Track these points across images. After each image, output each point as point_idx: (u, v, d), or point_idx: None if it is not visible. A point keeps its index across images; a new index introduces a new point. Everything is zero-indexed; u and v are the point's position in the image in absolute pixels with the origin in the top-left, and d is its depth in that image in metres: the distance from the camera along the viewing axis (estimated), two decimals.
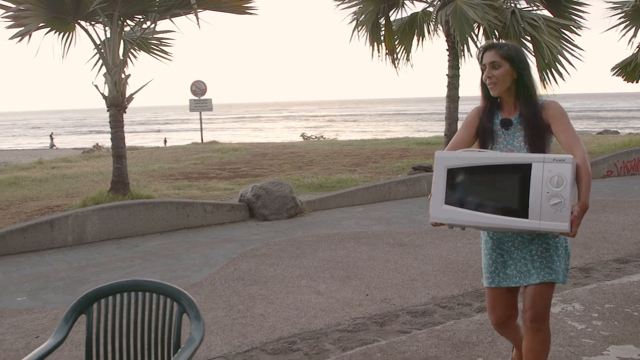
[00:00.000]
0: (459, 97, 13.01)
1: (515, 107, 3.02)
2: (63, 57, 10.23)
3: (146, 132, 71.74)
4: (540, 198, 2.61)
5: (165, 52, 10.91)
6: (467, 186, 2.79)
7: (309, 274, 6.21)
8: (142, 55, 10.96)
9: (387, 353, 4.15)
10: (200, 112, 22.46)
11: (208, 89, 22.44)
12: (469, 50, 11.89)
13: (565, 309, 4.85)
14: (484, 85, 3.06)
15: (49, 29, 9.87)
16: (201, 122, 23.03)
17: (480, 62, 3.04)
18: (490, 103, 3.10)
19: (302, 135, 28.34)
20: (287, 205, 9.15)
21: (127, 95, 9.72)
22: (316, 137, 26.61)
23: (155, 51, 10.87)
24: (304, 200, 9.76)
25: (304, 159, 16.12)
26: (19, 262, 7.29)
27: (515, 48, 3.01)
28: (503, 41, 3.11)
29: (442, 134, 14.56)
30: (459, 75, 12.91)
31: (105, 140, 40.72)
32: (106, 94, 9.61)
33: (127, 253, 7.50)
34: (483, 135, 3.07)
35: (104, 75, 9.67)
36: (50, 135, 47.66)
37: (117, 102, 9.58)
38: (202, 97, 22.41)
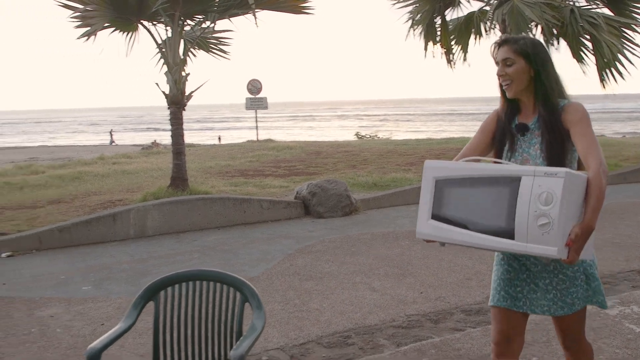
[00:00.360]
0: None
1: (534, 110, 2.69)
2: (126, 55, 10.58)
3: (202, 130, 72.91)
4: (527, 217, 2.29)
5: (223, 51, 11.13)
6: (453, 200, 2.51)
7: (364, 270, 6.28)
8: (200, 54, 11.20)
9: (441, 350, 4.18)
10: (255, 110, 22.75)
11: (263, 87, 22.71)
12: None
13: (623, 311, 4.78)
14: (502, 86, 2.73)
15: (113, 28, 10.21)
16: (257, 120, 23.31)
17: (495, 60, 2.72)
18: (510, 105, 2.76)
19: (357, 134, 28.41)
20: (342, 203, 9.23)
21: (186, 94, 9.97)
22: (370, 136, 26.63)
23: (213, 50, 11.11)
24: (358, 198, 9.82)
25: (358, 157, 16.16)
26: (84, 253, 7.58)
27: (532, 42, 2.68)
28: (521, 34, 2.85)
29: None
30: None
31: (163, 137, 41.63)
32: (167, 92, 9.88)
33: (186, 247, 7.71)
34: (500, 141, 2.76)
35: (165, 73, 9.93)
36: (110, 132, 48.94)
37: (177, 100, 9.83)
38: (257, 96, 22.70)
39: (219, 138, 42.81)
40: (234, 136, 50.46)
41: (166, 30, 10.01)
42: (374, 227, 8.46)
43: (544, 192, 2.26)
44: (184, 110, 10.04)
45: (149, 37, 10.29)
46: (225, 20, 10.41)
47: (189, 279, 2.92)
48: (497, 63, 2.69)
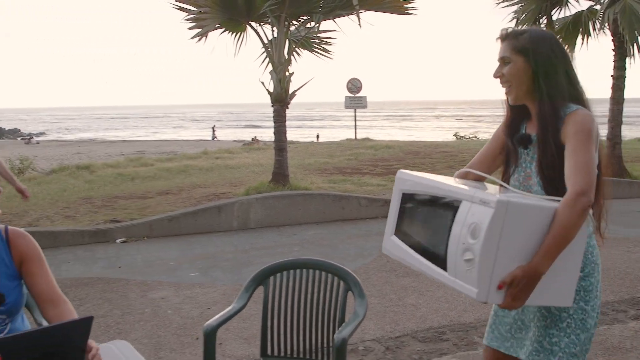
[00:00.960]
0: (624, 99, 12.45)
1: None
2: (235, 55, 11.03)
3: (301, 127, 74.02)
4: (456, 249, 2.00)
5: (326, 51, 11.39)
6: (413, 218, 2.31)
7: None
8: (304, 53, 11.49)
9: None
10: (355, 109, 22.97)
11: (363, 86, 22.90)
12: (638, 49, 11.37)
13: None
14: None
15: (223, 29, 10.70)
16: (355, 119, 23.53)
17: None
18: (516, 112, 2.38)
19: (455, 134, 28.13)
20: None
21: (290, 92, 10.29)
22: (469, 137, 26.31)
23: (317, 49, 11.39)
24: None
25: (457, 158, 16.06)
26: (191, 242, 8.02)
27: (535, 36, 2.23)
28: (529, 27, 2.41)
29: (605, 137, 14.04)
30: (624, 76, 12.36)
31: (263, 134, 42.66)
32: (271, 90, 10.24)
33: (287, 240, 8.01)
34: (507, 154, 2.41)
35: (270, 72, 10.31)
36: (213, 128, 50.55)
37: (280, 98, 10.18)
38: (357, 95, 22.90)
39: (317, 136, 43.41)
40: (332, 134, 51.04)
41: (272, 30, 10.39)
42: None
43: (473, 222, 1.96)
44: (287, 108, 10.37)
45: (255, 38, 10.72)
46: (329, 21, 10.67)
47: (296, 266, 3.13)
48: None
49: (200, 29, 9.94)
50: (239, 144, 29.87)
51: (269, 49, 10.29)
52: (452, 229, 2.02)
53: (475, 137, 26.67)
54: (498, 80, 2.31)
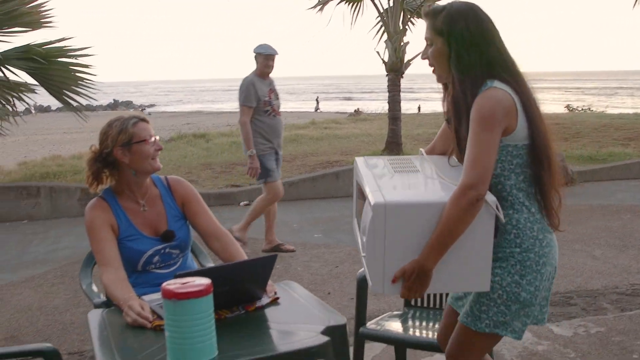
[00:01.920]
0: None
1: None
2: (351, 25, 11.21)
3: (402, 100, 73.24)
4: (360, 244, 2.10)
5: None
6: (359, 207, 2.31)
7: (583, 239, 6.29)
8: (419, 22, 11.48)
9: None
10: None
11: None
12: None
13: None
14: None
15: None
16: None
17: None
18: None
19: (567, 106, 27.11)
20: None
21: (404, 61, 10.36)
22: (582, 109, 25.29)
23: None
24: (574, 170, 9.64)
25: (570, 130, 15.59)
26: (310, 206, 8.33)
27: (453, 14, 2.10)
28: (450, 2, 2.18)
29: None
30: None
31: (362, 106, 42.69)
32: (386, 59, 10.35)
33: None
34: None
35: (385, 42, 10.42)
36: (316, 99, 51.07)
37: (395, 67, 10.28)
38: None
39: (419, 107, 43.01)
40: (435, 106, 50.38)
41: (388, 0, 10.45)
42: (592, 199, 8.31)
43: (364, 222, 2.03)
44: (402, 77, 10.46)
45: (369, 9, 10.82)
46: None
47: None
48: None
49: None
50: (343, 115, 30.08)
51: (385, 18, 10.38)
52: (361, 222, 2.11)
53: (589, 109, 25.65)
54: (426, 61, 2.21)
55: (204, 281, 1.83)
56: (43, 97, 8.03)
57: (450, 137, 2.27)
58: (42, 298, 5.11)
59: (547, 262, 2.18)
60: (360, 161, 2.41)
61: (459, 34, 2.07)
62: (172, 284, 1.81)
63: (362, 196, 2.19)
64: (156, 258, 2.70)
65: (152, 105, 63.76)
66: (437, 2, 2.25)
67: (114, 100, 62.22)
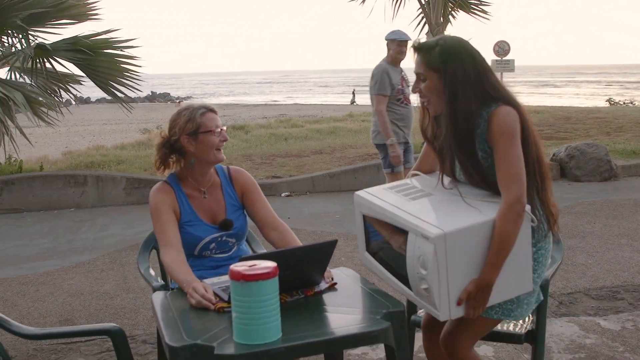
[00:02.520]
0: None
1: None
2: (392, 19, 11.17)
3: None
4: (414, 277, 2.13)
5: (484, 12, 11.21)
6: (376, 238, 2.44)
7: (629, 234, 6.21)
8: (460, 15, 11.39)
9: None
10: (501, 73, 22.38)
11: (511, 49, 22.21)
12: None
13: None
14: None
15: None
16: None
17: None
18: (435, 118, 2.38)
19: (609, 100, 26.65)
20: (601, 168, 9.02)
21: None
22: (624, 103, 24.84)
23: (474, 11, 11.24)
24: (618, 164, 9.51)
25: (612, 124, 15.35)
26: (351, 198, 8.30)
27: (447, 50, 2.20)
28: (438, 36, 2.35)
29: None
30: None
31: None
32: None
33: None
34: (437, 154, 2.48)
35: (426, 34, 10.35)
36: (353, 92, 50.88)
37: None
38: (504, 58, 22.28)
39: None
40: None
41: None
42: (637, 194, 8.19)
43: (421, 255, 2.06)
44: None
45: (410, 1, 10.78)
46: None
47: None
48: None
49: None
50: None
51: (427, 10, 10.33)
52: (407, 257, 2.14)
53: (632, 103, 25.17)
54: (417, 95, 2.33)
55: (270, 264, 1.89)
56: (83, 88, 8.18)
57: (434, 158, 2.45)
58: (92, 283, 5.25)
59: (549, 256, 2.44)
60: (363, 194, 2.46)
61: (454, 71, 2.18)
62: (240, 266, 1.87)
63: (386, 228, 2.27)
64: (213, 245, 2.78)
65: (188, 98, 64.32)
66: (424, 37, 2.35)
67: (151, 92, 62.88)
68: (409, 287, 2.20)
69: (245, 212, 2.91)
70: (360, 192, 2.49)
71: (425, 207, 2.24)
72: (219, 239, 2.79)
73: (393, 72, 5.93)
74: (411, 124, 6.12)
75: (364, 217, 2.46)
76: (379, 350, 3.65)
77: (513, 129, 2.15)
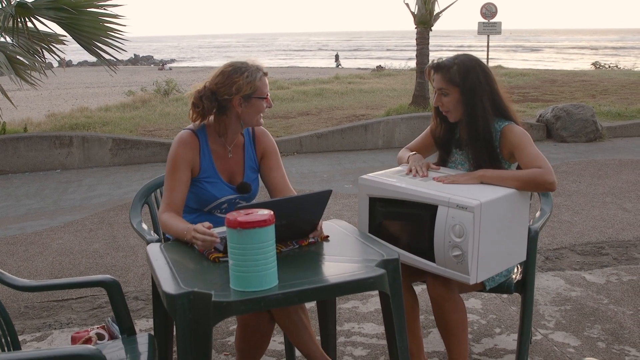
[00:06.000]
0: None
1: None
2: None
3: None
4: (443, 246, 2.36)
5: None
6: (386, 218, 2.62)
7: (614, 192, 6.29)
8: None
9: None
10: (488, 36, 22.28)
11: (498, 12, 22.08)
12: None
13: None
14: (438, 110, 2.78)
15: None
16: (488, 47, 22.85)
17: (433, 85, 2.73)
18: (448, 122, 2.78)
19: (594, 63, 26.68)
20: (587, 129, 9.09)
21: (434, 14, 10.25)
22: (610, 66, 24.89)
23: None
24: (604, 125, 9.58)
25: (597, 87, 15.43)
26: (339, 158, 8.38)
27: (465, 68, 2.62)
28: (455, 56, 2.71)
29: None
30: None
31: (386, 62, 42.21)
32: (415, 12, 10.23)
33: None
34: (440, 153, 2.89)
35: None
36: (336, 55, 50.59)
37: (424, 20, 10.17)
38: (491, 20, 22.15)
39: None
40: None
41: None
42: (622, 154, 8.28)
43: (456, 224, 2.30)
44: (431, 30, 10.35)
45: None
46: None
47: None
48: (434, 89, 2.72)
49: None
50: (365, 71, 29.87)
51: None
52: (435, 229, 2.36)
53: (616, 66, 25.22)
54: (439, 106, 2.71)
55: (267, 212, 1.90)
56: (65, 51, 8.03)
57: (427, 150, 2.92)
58: (81, 242, 5.25)
59: None
60: (371, 177, 2.67)
61: (472, 85, 2.59)
62: (237, 214, 1.88)
63: (399, 207, 2.51)
64: (225, 205, 2.72)
65: (172, 61, 63.61)
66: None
67: (134, 55, 62.01)
68: (428, 259, 2.43)
69: (259, 175, 2.86)
70: (366, 176, 2.69)
71: (442, 186, 2.48)
72: (233, 200, 2.74)
73: None
74: None
75: (370, 199, 2.64)
76: (370, 304, 3.71)
77: (530, 137, 2.63)
